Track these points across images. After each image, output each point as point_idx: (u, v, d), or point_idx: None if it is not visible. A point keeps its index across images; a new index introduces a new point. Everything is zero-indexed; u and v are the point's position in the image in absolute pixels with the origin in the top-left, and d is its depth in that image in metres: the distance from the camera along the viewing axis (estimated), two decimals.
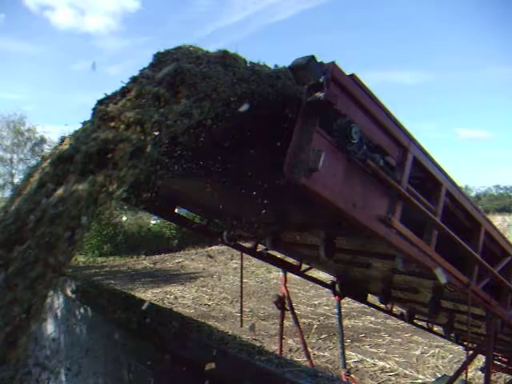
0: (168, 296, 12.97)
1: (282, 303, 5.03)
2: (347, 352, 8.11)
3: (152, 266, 18.88)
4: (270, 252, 4.48)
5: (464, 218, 2.95)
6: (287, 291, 4.98)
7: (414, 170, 2.39)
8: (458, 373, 4.05)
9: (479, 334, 4.67)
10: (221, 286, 14.35)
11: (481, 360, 5.02)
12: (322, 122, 1.86)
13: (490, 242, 3.23)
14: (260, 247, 4.41)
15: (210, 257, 18.51)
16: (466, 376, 4.09)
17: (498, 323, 3.63)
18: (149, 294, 12.78)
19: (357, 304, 7.96)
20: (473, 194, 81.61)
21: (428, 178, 2.57)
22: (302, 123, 1.82)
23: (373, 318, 10.61)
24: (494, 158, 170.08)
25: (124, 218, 22.65)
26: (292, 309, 5.12)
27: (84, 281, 3.79)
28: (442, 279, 2.59)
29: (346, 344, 8.34)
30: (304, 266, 4.90)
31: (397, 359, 8.26)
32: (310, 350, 8.18)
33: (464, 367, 3.98)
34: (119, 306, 2.55)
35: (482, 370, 4.60)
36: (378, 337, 9.58)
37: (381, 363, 8.05)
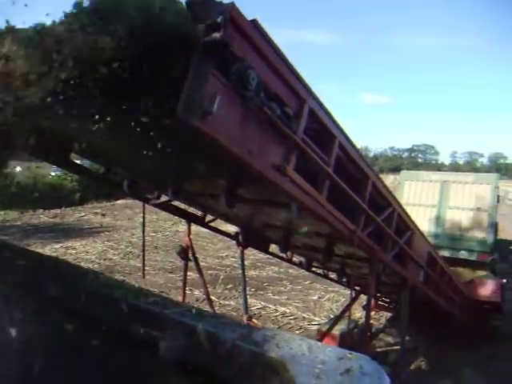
0: (70, 251, 12.31)
1: (186, 254, 5.05)
2: (252, 300, 8.58)
3: (51, 220, 17.65)
4: (174, 203, 4.41)
5: (354, 171, 3.16)
6: (191, 242, 5.00)
7: (310, 122, 2.47)
8: (343, 312, 4.50)
9: (365, 278, 5.18)
10: (127, 241, 13.96)
11: None
12: (219, 64, 1.80)
13: (376, 193, 3.53)
14: (164, 198, 4.31)
15: (103, 215, 17.45)
16: (350, 315, 4.59)
17: (380, 266, 4.04)
18: (48, 250, 12.01)
19: (262, 255, 8.31)
20: (371, 155, 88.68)
21: (323, 131, 2.68)
22: (198, 64, 1.74)
23: (276, 268, 11.23)
24: (393, 122, 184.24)
25: (18, 169, 20.56)
26: (196, 259, 5.17)
27: None
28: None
29: (250, 292, 8.81)
30: (209, 218, 4.93)
31: (296, 304, 8.93)
32: (216, 299, 8.48)
33: (348, 307, 4.43)
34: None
35: (363, 307, 5.16)
36: (280, 285, 10.22)
37: (282, 309, 8.65)
